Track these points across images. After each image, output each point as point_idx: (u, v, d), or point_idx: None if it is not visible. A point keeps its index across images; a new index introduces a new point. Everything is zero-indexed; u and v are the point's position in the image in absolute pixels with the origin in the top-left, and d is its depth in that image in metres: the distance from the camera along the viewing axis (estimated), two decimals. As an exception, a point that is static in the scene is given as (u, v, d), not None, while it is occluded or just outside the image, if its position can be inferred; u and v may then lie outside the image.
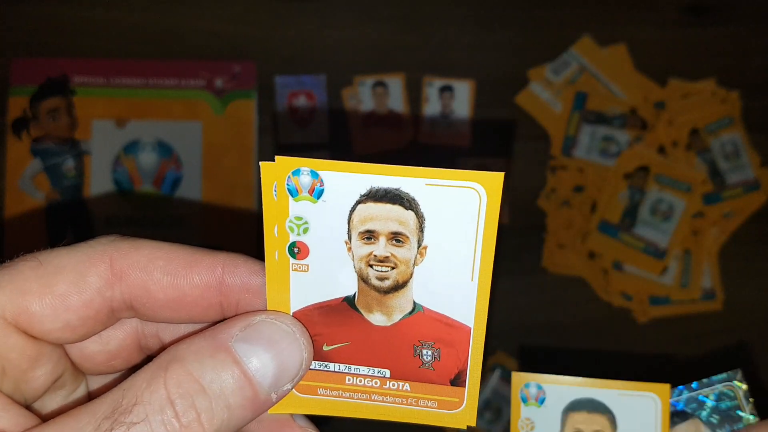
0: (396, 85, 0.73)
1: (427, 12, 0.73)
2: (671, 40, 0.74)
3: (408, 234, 0.21)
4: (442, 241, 0.21)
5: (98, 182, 0.71)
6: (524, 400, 0.26)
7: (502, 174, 0.20)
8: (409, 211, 0.21)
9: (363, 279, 0.22)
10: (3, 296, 0.21)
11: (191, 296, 0.22)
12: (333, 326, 0.22)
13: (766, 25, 0.74)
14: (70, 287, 0.21)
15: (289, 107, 0.72)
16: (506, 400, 0.70)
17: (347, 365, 0.23)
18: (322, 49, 0.73)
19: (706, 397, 0.30)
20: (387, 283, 0.22)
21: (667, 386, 0.27)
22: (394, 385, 0.23)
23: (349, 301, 0.22)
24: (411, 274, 0.22)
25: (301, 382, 0.23)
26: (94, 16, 0.72)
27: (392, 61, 0.73)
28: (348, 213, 0.21)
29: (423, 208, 0.21)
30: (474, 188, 0.20)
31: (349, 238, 0.21)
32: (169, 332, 0.24)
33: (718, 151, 0.73)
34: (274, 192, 0.21)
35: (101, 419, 0.19)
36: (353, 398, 0.23)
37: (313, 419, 0.24)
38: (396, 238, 0.21)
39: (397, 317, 0.22)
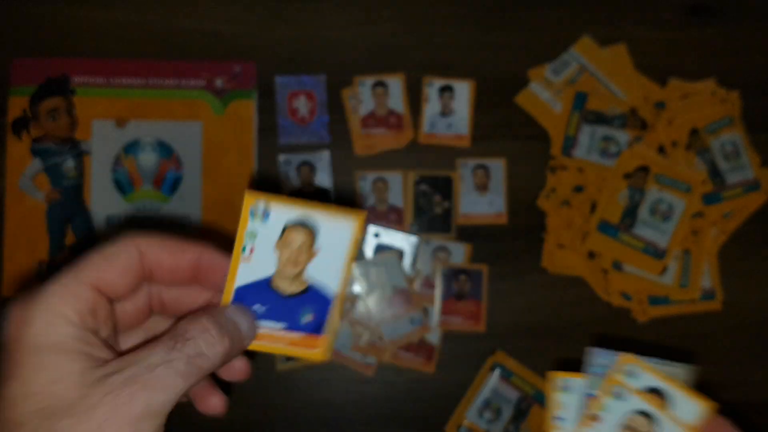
0: (396, 85, 0.73)
1: (427, 12, 0.73)
2: (671, 40, 0.74)
3: (309, 245, 0.36)
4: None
5: (98, 182, 0.71)
6: (252, 215, 0.35)
7: (365, 212, 0.30)
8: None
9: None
10: (89, 272, 0.33)
11: (182, 267, 0.36)
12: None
13: (766, 25, 0.74)
14: (127, 262, 0.34)
15: (289, 107, 0.72)
16: (506, 400, 0.70)
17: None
18: (322, 49, 0.73)
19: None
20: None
21: (363, 213, 0.35)
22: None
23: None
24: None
25: None
26: (94, 16, 0.73)
27: (392, 61, 0.73)
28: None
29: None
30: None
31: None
32: (168, 295, 0.37)
33: (718, 151, 0.73)
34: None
35: (167, 340, 0.31)
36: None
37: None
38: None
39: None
